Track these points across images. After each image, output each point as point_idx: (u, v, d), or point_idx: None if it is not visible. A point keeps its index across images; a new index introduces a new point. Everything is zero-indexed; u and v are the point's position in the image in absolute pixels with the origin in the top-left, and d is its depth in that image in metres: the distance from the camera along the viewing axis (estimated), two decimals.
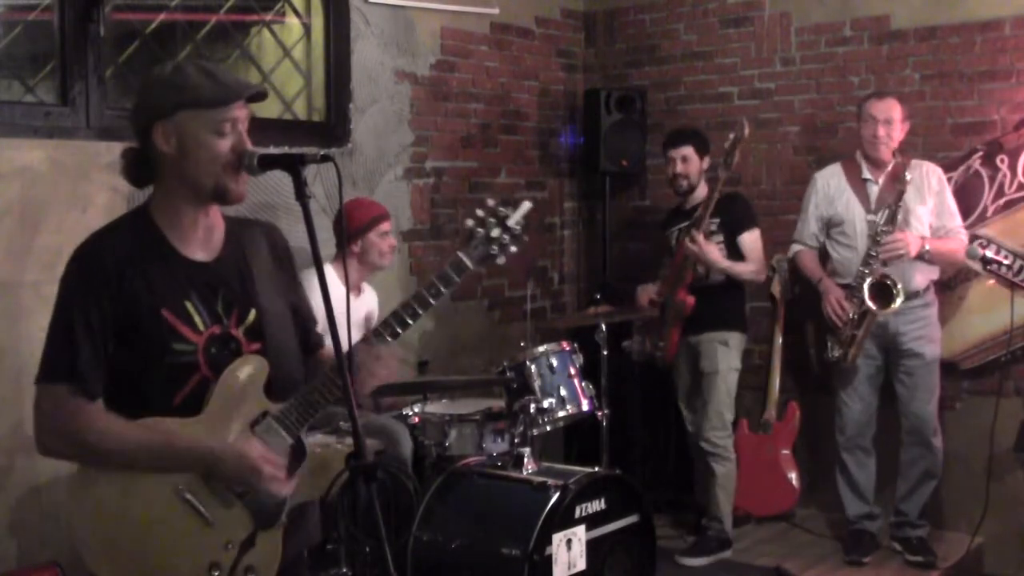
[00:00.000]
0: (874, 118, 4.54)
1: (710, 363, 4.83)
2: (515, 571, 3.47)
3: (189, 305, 2.19)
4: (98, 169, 3.81)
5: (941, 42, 4.98)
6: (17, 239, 3.69)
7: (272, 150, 2.30)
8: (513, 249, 2.31)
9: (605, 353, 4.52)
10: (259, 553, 2.20)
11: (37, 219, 3.73)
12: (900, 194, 4.43)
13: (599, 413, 4.31)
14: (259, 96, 2.24)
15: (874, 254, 4.47)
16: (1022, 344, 4.73)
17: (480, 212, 2.31)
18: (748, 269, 4.80)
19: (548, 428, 4.12)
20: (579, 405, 4.15)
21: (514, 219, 2.30)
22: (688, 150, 4.87)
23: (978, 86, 4.89)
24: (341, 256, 4.09)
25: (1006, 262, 4.75)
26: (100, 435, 2.11)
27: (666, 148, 4.96)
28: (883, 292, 4.44)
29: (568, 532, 3.60)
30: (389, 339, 2.28)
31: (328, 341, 2.11)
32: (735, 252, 4.80)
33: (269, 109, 4.51)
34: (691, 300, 4.76)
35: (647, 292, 4.98)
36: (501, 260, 2.31)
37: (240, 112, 2.17)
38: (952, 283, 4.90)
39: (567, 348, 4.23)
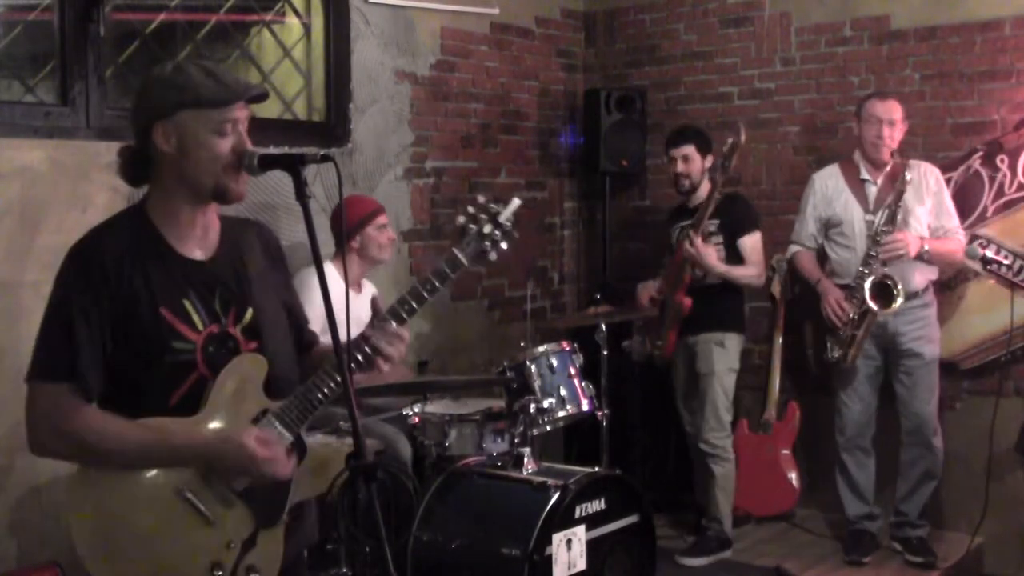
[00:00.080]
0: (878, 119, 4.54)
1: (706, 364, 4.83)
2: (515, 571, 3.46)
3: (187, 304, 2.18)
4: (98, 169, 3.81)
5: (941, 42, 4.98)
6: (17, 239, 3.69)
7: (272, 150, 2.30)
8: (504, 245, 2.32)
9: (605, 353, 4.52)
10: (261, 552, 2.20)
11: (37, 219, 3.73)
12: (900, 194, 4.43)
13: (599, 413, 4.31)
14: (260, 97, 2.24)
15: (874, 254, 4.47)
16: (1022, 344, 4.73)
17: (471, 209, 2.33)
18: (746, 273, 4.79)
19: (548, 428, 4.12)
20: (579, 405, 4.15)
21: (505, 215, 2.31)
22: (689, 149, 4.86)
23: (978, 86, 4.89)
24: (340, 253, 4.09)
25: (1006, 262, 4.76)
26: (99, 434, 2.10)
27: (668, 147, 4.96)
28: (884, 292, 4.44)
29: (568, 532, 3.60)
30: None
31: (325, 338, 2.10)
32: (735, 254, 4.80)
33: (269, 109, 4.51)
34: (688, 302, 4.76)
35: (648, 289, 4.98)
36: (493, 256, 2.32)
37: (241, 112, 2.18)
38: (952, 283, 4.91)
39: (567, 348, 4.23)
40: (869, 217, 4.58)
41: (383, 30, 4.97)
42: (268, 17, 4.70)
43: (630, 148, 5.71)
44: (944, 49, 4.98)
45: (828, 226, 4.75)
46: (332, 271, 4.03)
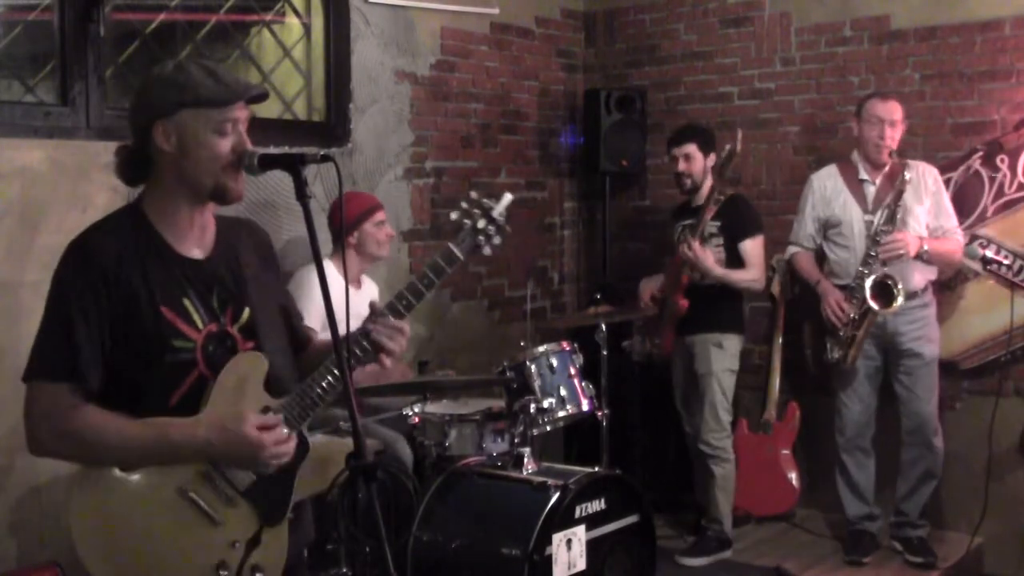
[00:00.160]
0: (880, 119, 4.54)
1: (703, 364, 4.82)
2: (515, 571, 3.46)
3: (187, 302, 2.18)
4: (98, 169, 3.81)
5: (941, 42, 4.98)
6: (17, 239, 3.69)
7: (272, 150, 2.30)
8: (498, 240, 2.37)
9: (605, 353, 4.52)
10: (265, 551, 2.20)
11: (37, 219, 3.73)
12: (900, 194, 4.43)
13: (599, 413, 4.31)
14: (260, 97, 2.25)
15: (873, 254, 4.47)
16: (1022, 344, 4.74)
17: (465, 204, 2.37)
18: (744, 277, 4.77)
19: (548, 428, 4.12)
20: (579, 405, 4.15)
21: (498, 210, 2.36)
22: (691, 148, 4.86)
23: (978, 86, 4.89)
24: (339, 250, 4.09)
25: (1006, 262, 4.76)
26: (99, 433, 2.10)
27: (669, 146, 4.95)
28: (884, 291, 4.44)
29: (568, 532, 3.60)
30: None
31: (325, 335, 2.10)
32: (736, 256, 4.79)
33: (269, 109, 4.51)
34: (684, 304, 4.75)
35: (650, 287, 4.98)
36: (487, 250, 2.37)
37: (241, 112, 2.18)
38: (952, 283, 4.91)
39: (567, 348, 4.23)
40: (868, 217, 4.58)
41: (383, 30, 4.97)
42: (268, 17, 4.70)
43: (630, 148, 5.71)
44: (944, 49, 4.98)
45: (827, 227, 4.75)
46: (331, 268, 4.02)
